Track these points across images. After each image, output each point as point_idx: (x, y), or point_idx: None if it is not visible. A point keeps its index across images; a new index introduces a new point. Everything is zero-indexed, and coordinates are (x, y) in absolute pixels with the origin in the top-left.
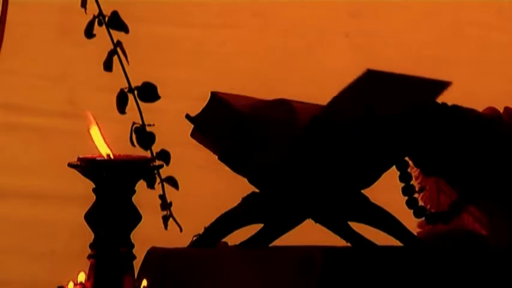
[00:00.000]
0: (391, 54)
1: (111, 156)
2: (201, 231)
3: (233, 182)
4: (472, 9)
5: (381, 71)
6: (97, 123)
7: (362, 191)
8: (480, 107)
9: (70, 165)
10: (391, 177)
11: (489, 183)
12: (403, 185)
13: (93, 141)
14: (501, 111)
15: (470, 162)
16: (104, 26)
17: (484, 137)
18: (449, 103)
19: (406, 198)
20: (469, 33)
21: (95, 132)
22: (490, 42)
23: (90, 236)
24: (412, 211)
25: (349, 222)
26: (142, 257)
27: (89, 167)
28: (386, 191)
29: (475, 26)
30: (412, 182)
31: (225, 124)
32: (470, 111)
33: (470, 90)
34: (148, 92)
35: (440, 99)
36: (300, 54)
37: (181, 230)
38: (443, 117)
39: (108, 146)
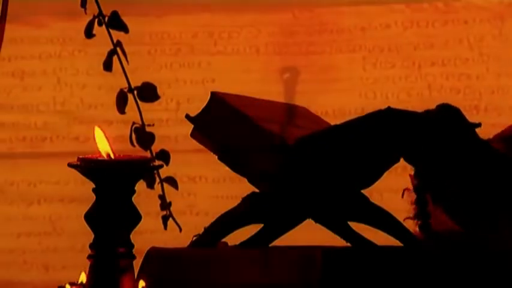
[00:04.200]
0: (391, 54)
1: (111, 156)
2: (201, 231)
3: (233, 182)
4: (473, 9)
5: (400, 110)
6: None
7: (362, 191)
8: (480, 107)
9: (70, 165)
10: (391, 178)
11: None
12: (417, 209)
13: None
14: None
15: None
16: (104, 26)
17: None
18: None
19: (420, 222)
20: (468, 33)
21: (98, 132)
22: (489, 41)
23: (90, 236)
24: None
25: (349, 222)
26: (142, 257)
27: (89, 167)
28: (387, 191)
29: (475, 25)
30: (428, 208)
31: (225, 124)
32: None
33: (471, 90)
34: (148, 92)
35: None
36: (299, 54)
37: (181, 230)
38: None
39: (111, 147)
